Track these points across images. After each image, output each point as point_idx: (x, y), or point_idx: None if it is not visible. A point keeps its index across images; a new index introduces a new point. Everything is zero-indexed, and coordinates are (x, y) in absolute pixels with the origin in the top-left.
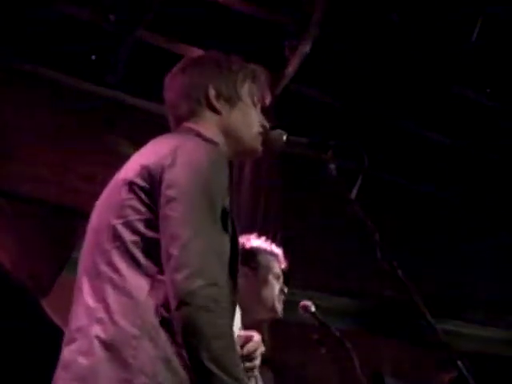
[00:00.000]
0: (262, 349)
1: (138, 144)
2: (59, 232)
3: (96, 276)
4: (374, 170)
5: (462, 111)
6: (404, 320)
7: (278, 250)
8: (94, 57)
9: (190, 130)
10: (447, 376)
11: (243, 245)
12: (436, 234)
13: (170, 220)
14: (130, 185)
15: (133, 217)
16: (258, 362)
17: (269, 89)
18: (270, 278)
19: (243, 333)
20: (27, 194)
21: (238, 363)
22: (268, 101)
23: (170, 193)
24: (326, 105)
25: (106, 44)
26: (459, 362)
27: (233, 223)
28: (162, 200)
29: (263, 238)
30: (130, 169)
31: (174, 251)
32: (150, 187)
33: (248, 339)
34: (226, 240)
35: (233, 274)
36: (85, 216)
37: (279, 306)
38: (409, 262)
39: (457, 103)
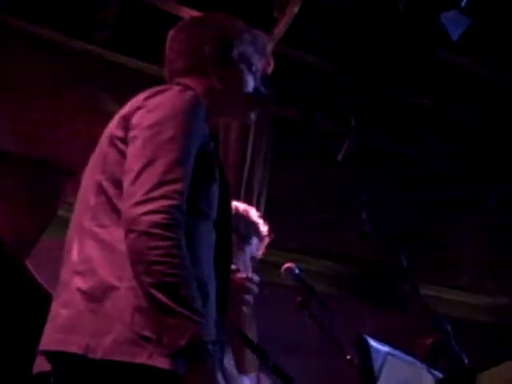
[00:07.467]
0: None
1: (124, 102)
2: (43, 190)
3: (82, 233)
4: (362, 134)
5: (449, 76)
6: (387, 284)
7: (265, 237)
8: (80, 13)
9: (178, 84)
10: (429, 340)
11: (244, 212)
12: (421, 198)
13: (128, 156)
14: (111, 138)
15: (115, 170)
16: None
17: (271, 56)
18: None
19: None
20: (11, 150)
21: (191, 293)
22: (269, 69)
23: (132, 133)
24: (315, 67)
25: (95, 1)
26: (441, 326)
27: (221, 171)
28: (128, 142)
29: (259, 216)
30: (112, 123)
31: (126, 183)
32: (126, 135)
33: None
34: (205, 182)
35: (225, 217)
36: (69, 173)
37: None
38: (393, 226)
39: (443, 68)
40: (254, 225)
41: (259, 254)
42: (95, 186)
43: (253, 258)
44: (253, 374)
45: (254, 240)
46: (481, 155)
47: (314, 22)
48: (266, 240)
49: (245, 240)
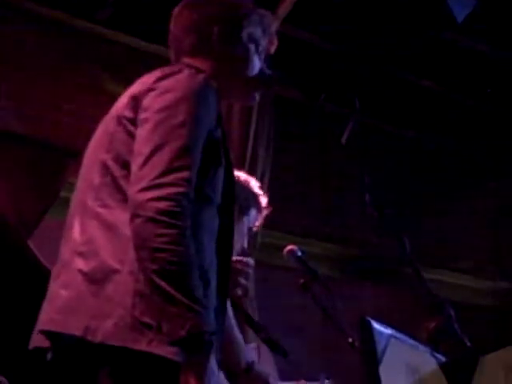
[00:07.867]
0: None
1: (126, 81)
2: (46, 170)
3: (84, 212)
4: (365, 116)
5: (452, 58)
6: (388, 267)
7: (265, 207)
8: None
9: (188, 65)
10: (432, 324)
11: (245, 183)
12: (424, 181)
13: (137, 139)
14: (119, 118)
15: (122, 150)
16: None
17: (276, 37)
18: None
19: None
20: (14, 130)
21: (194, 282)
22: (273, 48)
23: (143, 115)
24: (319, 47)
25: None
26: (444, 310)
27: (227, 155)
28: (138, 124)
29: (259, 187)
30: (120, 102)
31: (134, 167)
32: (135, 116)
33: None
34: (214, 168)
35: (228, 203)
36: (73, 154)
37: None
38: (396, 209)
39: (446, 50)
40: (255, 196)
41: (257, 225)
42: (99, 166)
43: (249, 229)
44: (253, 345)
45: (253, 211)
46: (482, 137)
47: (318, 2)
48: (265, 212)
49: (244, 211)
